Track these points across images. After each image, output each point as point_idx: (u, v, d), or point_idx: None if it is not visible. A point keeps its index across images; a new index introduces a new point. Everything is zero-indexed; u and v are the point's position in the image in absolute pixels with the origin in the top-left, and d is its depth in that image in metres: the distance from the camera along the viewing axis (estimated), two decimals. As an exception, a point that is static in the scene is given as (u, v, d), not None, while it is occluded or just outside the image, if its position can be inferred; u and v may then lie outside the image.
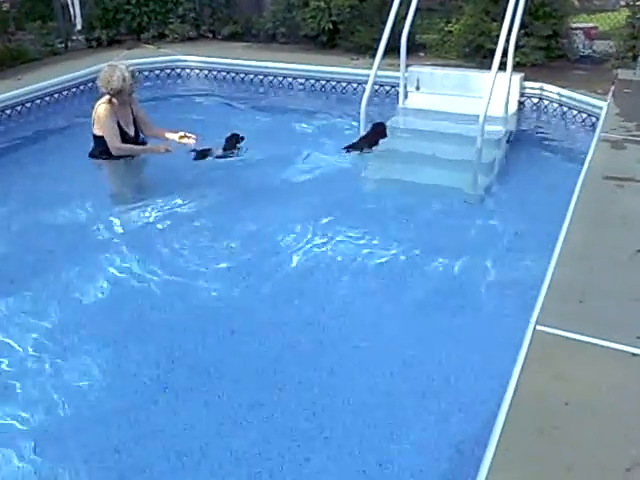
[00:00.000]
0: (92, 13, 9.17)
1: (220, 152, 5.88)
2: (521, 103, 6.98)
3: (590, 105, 6.43)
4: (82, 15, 9.06)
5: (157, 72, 8.52)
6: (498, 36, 6.04)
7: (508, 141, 6.28)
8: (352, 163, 5.96)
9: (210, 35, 9.62)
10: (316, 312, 3.83)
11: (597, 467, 2.18)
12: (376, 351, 3.48)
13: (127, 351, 3.49)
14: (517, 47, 6.50)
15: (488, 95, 5.81)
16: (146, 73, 8.37)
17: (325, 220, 4.81)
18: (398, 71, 6.89)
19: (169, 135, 5.41)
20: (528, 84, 7.00)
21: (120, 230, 4.73)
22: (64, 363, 3.38)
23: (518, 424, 2.36)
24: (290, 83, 8.15)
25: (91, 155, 5.35)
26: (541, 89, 6.98)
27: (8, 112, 6.93)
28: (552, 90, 6.90)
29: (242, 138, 6.10)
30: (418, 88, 6.97)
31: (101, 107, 5.15)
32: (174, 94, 8.17)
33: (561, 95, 6.81)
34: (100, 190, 5.38)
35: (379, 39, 6.50)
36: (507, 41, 6.04)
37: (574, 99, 6.66)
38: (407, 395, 3.15)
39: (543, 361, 2.67)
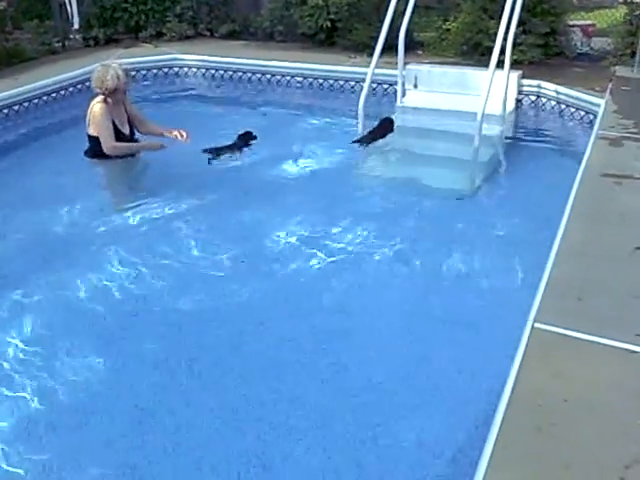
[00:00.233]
0: (89, 12, 9.16)
1: (233, 149, 5.95)
2: (519, 101, 6.98)
3: (588, 103, 6.43)
4: (79, 14, 9.03)
5: (155, 71, 8.51)
6: (496, 34, 6.05)
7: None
8: (350, 161, 5.96)
9: (208, 34, 9.61)
10: (315, 310, 3.82)
11: (596, 464, 2.18)
12: (373, 348, 3.47)
13: (124, 351, 3.48)
14: (515, 45, 6.51)
15: (486, 93, 5.82)
16: (144, 72, 8.37)
17: (322, 218, 4.80)
18: (396, 69, 6.90)
19: (163, 131, 5.47)
20: (526, 82, 7.00)
21: (117, 229, 4.71)
22: (61, 363, 3.36)
23: (516, 422, 2.35)
24: (288, 81, 8.14)
25: (87, 155, 5.34)
26: (539, 87, 6.98)
27: (5, 111, 6.91)
28: (550, 88, 6.90)
29: (255, 137, 6.15)
30: (416, 86, 6.97)
31: (96, 107, 5.14)
32: (172, 93, 8.16)
33: (559, 93, 6.81)
34: (97, 190, 5.38)
35: (377, 37, 6.51)
36: (505, 39, 6.06)
37: (572, 97, 6.66)
38: (405, 393, 3.14)
39: (541, 359, 2.67)
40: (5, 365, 3.35)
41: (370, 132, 6.31)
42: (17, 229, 4.77)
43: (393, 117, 6.44)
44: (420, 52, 8.23)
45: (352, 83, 7.72)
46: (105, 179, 5.48)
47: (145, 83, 8.33)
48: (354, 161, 6.03)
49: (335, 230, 4.64)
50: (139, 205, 5.01)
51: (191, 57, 8.59)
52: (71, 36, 9.13)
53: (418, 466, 2.73)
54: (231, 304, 3.88)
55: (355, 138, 6.21)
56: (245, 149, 6.00)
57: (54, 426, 2.98)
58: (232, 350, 3.50)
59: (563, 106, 6.79)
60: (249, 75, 8.33)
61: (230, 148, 6.00)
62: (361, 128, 6.32)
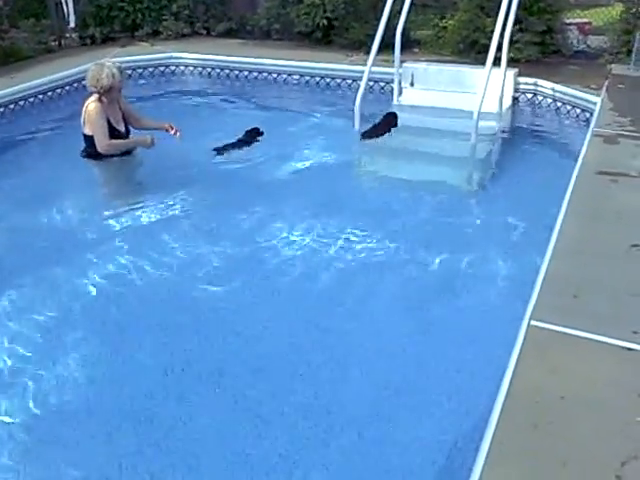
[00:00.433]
0: (86, 10, 9.13)
1: (241, 145, 6.03)
2: (515, 99, 6.99)
3: (584, 100, 6.44)
4: (76, 12, 9.00)
5: (151, 69, 8.49)
6: (492, 32, 6.05)
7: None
8: (345, 159, 5.96)
9: (204, 32, 9.59)
10: (314, 309, 3.82)
11: (592, 461, 2.18)
12: (371, 346, 3.47)
13: (122, 351, 3.48)
14: (511, 43, 6.51)
15: (482, 91, 5.82)
16: (140, 71, 8.36)
17: (320, 216, 4.79)
18: (392, 67, 6.90)
19: (158, 125, 5.58)
20: (522, 79, 7.00)
21: (114, 229, 4.70)
22: (58, 362, 3.36)
23: (513, 419, 2.36)
24: (285, 80, 8.14)
25: (83, 155, 5.33)
26: (535, 84, 6.98)
27: (1, 110, 6.89)
28: (546, 85, 6.90)
29: (262, 132, 6.21)
30: (412, 84, 6.98)
31: (91, 106, 5.12)
32: (168, 91, 8.14)
33: (555, 90, 6.81)
34: (94, 189, 5.36)
35: (374, 35, 6.51)
36: (501, 37, 6.06)
37: (568, 94, 6.66)
38: (403, 390, 3.15)
39: (538, 356, 2.68)
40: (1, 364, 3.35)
41: (374, 127, 6.35)
42: (12, 228, 4.76)
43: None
44: (417, 50, 8.24)
45: (349, 81, 7.72)
46: (101, 179, 5.46)
47: (142, 82, 8.32)
48: (350, 159, 6.03)
49: (330, 228, 4.64)
50: (136, 204, 5.00)
51: (188, 56, 8.57)
52: (67, 35, 9.10)
53: (415, 464, 2.74)
54: (230, 304, 3.88)
55: (361, 133, 6.24)
56: (253, 145, 6.06)
57: (50, 426, 2.98)
58: (232, 350, 3.50)
59: (559, 104, 6.79)
60: (246, 74, 8.32)
61: (238, 144, 6.05)
62: (358, 126, 6.32)
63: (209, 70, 8.49)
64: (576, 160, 4.73)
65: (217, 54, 8.49)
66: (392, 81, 7.00)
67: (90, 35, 9.11)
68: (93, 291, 3.97)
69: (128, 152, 5.40)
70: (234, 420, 2.99)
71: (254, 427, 2.94)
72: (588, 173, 4.44)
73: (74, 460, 2.78)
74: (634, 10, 7.42)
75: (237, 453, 2.81)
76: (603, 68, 7.23)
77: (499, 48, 6.03)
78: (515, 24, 6.46)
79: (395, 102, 6.87)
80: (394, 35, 6.60)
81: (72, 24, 9.06)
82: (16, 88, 7.11)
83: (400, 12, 6.59)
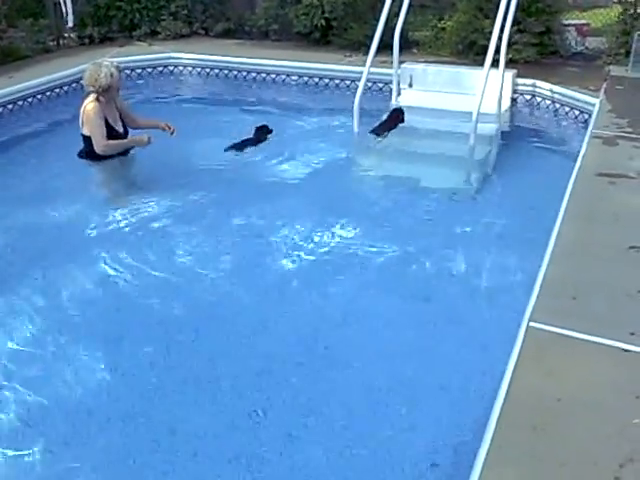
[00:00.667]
0: (84, 10, 9.13)
1: (250, 143, 6.08)
2: (514, 100, 6.99)
3: (582, 102, 6.45)
4: (74, 12, 8.99)
5: (149, 70, 8.48)
6: (491, 33, 6.05)
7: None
8: (344, 160, 5.96)
9: (202, 32, 9.58)
10: (312, 308, 3.82)
11: (590, 463, 2.19)
12: (370, 347, 3.48)
13: (121, 350, 3.48)
14: (510, 44, 6.51)
15: (481, 92, 5.82)
16: (138, 71, 8.35)
17: (318, 217, 4.80)
18: (391, 68, 6.90)
19: (154, 123, 5.58)
20: (521, 81, 7.01)
21: (111, 229, 4.70)
22: (57, 362, 3.36)
23: (512, 420, 2.36)
24: (283, 80, 8.13)
25: (81, 156, 5.31)
26: (534, 86, 6.99)
27: (0, 110, 6.89)
28: (545, 87, 6.91)
29: (271, 130, 6.26)
30: (411, 85, 6.98)
31: (89, 106, 5.08)
32: (166, 91, 8.13)
33: (554, 92, 6.82)
34: (92, 189, 5.35)
35: (372, 36, 6.51)
36: (500, 38, 6.06)
37: (567, 96, 6.67)
38: (401, 392, 3.15)
39: (536, 358, 2.68)
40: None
41: (381, 124, 6.38)
42: (10, 228, 4.76)
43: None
44: (415, 51, 8.23)
45: (347, 82, 7.72)
46: (99, 179, 5.44)
47: (140, 82, 8.31)
48: (348, 160, 6.02)
49: (330, 228, 4.64)
50: (134, 205, 4.99)
51: (186, 56, 8.57)
52: (66, 34, 9.10)
53: (414, 466, 2.74)
54: (230, 305, 3.88)
55: (370, 129, 6.27)
56: (263, 142, 6.11)
57: (48, 427, 2.98)
58: (230, 349, 3.50)
59: (558, 105, 6.80)
60: (244, 74, 8.32)
61: (248, 142, 6.09)
62: (356, 127, 6.32)
63: (207, 70, 8.48)
64: (575, 161, 4.73)
65: (215, 54, 8.49)
66: (391, 82, 7.01)
67: (88, 35, 9.10)
68: (92, 292, 3.98)
69: (124, 152, 5.37)
70: (234, 421, 2.99)
71: (254, 428, 2.94)
72: (587, 175, 4.44)
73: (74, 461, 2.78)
74: (632, 12, 7.43)
75: (237, 454, 2.81)
76: (601, 69, 7.24)
77: (498, 49, 6.03)
78: (513, 25, 6.45)
79: (394, 103, 6.87)
80: (393, 36, 6.61)
81: (70, 24, 9.04)
82: (14, 88, 7.10)
83: (399, 13, 6.59)
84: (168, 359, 3.41)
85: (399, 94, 6.95)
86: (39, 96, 7.32)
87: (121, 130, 5.27)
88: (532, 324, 2.85)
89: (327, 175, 5.63)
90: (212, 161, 5.79)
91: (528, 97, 7.04)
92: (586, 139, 5.16)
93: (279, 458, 2.79)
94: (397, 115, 6.50)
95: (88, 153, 5.22)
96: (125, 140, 5.29)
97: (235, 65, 8.33)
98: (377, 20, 6.54)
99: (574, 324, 2.84)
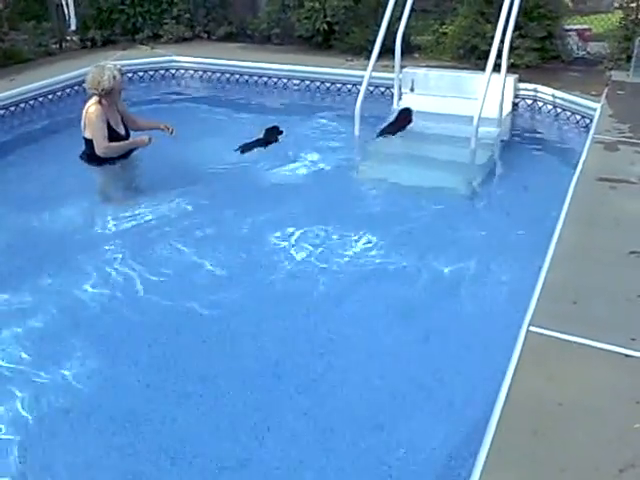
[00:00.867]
0: (86, 13, 9.14)
1: (261, 144, 6.12)
2: (515, 104, 7.00)
3: (584, 107, 6.45)
4: (76, 15, 9.03)
5: (151, 73, 8.49)
6: (492, 37, 6.06)
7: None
8: (346, 164, 5.96)
9: (205, 36, 9.60)
10: (311, 310, 3.82)
11: (590, 468, 2.18)
12: (369, 350, 3.47)
13: (120, 354, 3.48)
14: (511, 48, 6.52)
15: (482, 96, 5.83)
16: (141, 74, 8.37)
17: (319, 221, 4.79)
18: (393, 72, 6.91)
19: (155, 125, 5.59)
20: (522, 85, 7.02)
21: (112, 233, 4.70)
22: (56, 364, 3.36)
23: (512, 425, 2.36)
24: (285, 84, 8.15)
25: (84, 159, 5.30)
26: (535, 90, 7.00)
27: (1, 112, 6.90)
28: (546, 91, 6.91)
29: (281, 131, 6.29)
30: (412, 89, 6.98)
31: (91, 109, 5.07)
32: (168, 95, 8.14)
33: (555, 97, 6.82)
34: (94, 192, 5.34)
35: (374, 40, 6.52)
36: (501, 42, 6.07)
37: (568, 100, 6.67)
38: (400, 395, 3.15)
39: (536, 362, 2.68)
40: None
41: (390, 124, 6.43)
42: (11, 231, 4.76)
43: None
44: (417, 55, 8.24)
45: (349, 86, 7.72)
46: (100, 182, 5.45)
47: (142, 85, 8.32)
48: (350, 164, 6.03)
49: (331, 232, 4.64)
50: (135, 208, 4.99)
51: (188, 59, 8.58)
52: (68, 37, 9.12)
53: (414, 470, 2.73)
54: (230, 306, 3.88)
55: (377, 130, 6.32)
56: (273, 143, 6.15)
57: (47, 428, 2.97)
58: (229, 351, 3.50)
59: (559, 110, 6.80)
60: (246, 78, 8.33)
61: (258, 142, 6.12)
62: (357, 131, 6.33)
63: (209, 74, 8.49)
64: (575, 166, 4.74)
65: (217, 58, 8.50)
66: (392, 86, 7.02)
67: (91, 38, 9.11)
68: (93, 295, 3.97)
69: (126, 155, 5.36)
70: (234, 423, 2.99)
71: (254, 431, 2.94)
72: (587, 179, 4.44)
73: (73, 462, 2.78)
74: (634, 17, 7.44)
75: (237, 455, 2.81)
76: (603, 74, 7.24)
77: (499, 54, 6.05)
78: (515, 30, 6.47)
79: (395, 107, 6.88)
80: (394, 40, 6.62)
81: (73, 27, 9.08)
82: (16, 91, 7.11)
83: (400, 17, 6.60)
84: (169, 359, 3.41)
85: (400, 98, 6.96)
86: (41, 99, 7.33)
87: (123, 132, 5.27)
88: (532, 328, 2.85)
89: (328, 179, 5.63)
90: (213, 165, 5.79)
91: (529, 102, 7.04)
92: (587, 144, 5.17)
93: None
94: (405, 116, 6.53)
95: (90, 156, 5.22)
96: (126, 142, 5.29)
97: (237, 69, 8.35)
98: (379, 24, 6.55)
99: (574, 329, 2.83)
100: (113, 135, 5.15)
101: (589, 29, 8.33)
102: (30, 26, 8.55)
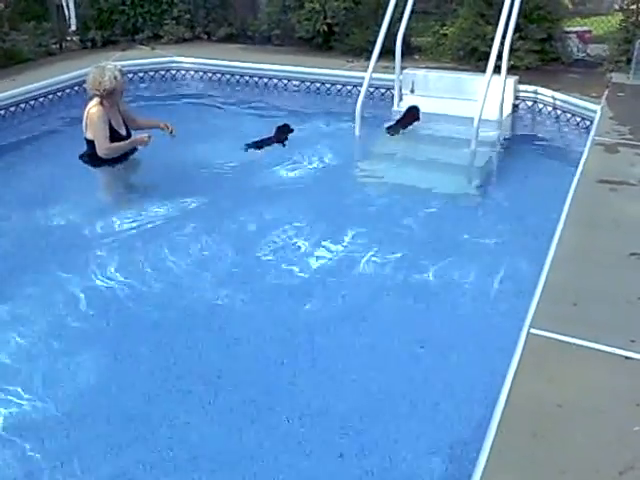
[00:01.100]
0: (87, 14, 9.14)
1: (271, 142, 6.16)
2: (515, 106, 7.00)
3: (584, 109, 6.45)
4: (77, 16, 9.03)
5: (152, 73, 8.49)
6: (493, 39, 6.07)
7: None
8: (346, 165, 5.97)
9: (205, 37, 9.60)
10: (310, 312, 3.83)
11: (590, 470, 2.18)
12: (368, 352, 3.47)
13: (120, 355, 3.48)
14: (512, 50, 6.52)
15: (482, 98, 5.83)
16: (141, 74, 8.36)
17: (319, 222, 4.80)
18: (393, 74, 6.91)
19: (155, 123, 5.58)
20: (522, 87, 7.01)
21: (115, 233, 4.70)
22: (56, 366, 3.36)
23: (512, 427, 2.36)
24: (285, 85, 8.15)
25: (84, 160, 5.29)
26: (535, 92, 7.00)
27: (2, 113, 6.90)
28: (546, 93, 6.92)
29: (292, 130, 6.33)
30: (413, 91, 6.98)
31: (93, 110, 5.05)
32: (169, 96, 8.14)
33: (555, 98, 6.83)
34: (94, 193, 5.35)
35: (374, 42, 6.52)
36: (502, 44, 6.07)
37: (568, 102, 6.68)
38: (400, 397, 3.15)
39: (537, 364, 2.68)
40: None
41: (398, 121, 6.48)
42: (11, 230, 4.76)
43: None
44: (417, 57, 8.25)
45: (349, 87, 7.72)
46: (102, 183, 5.45)
47: (142, 86, 8.32)
48: (351, 165, 6.03)
49: (331, 233, 4.64)
50: (136, 209, 5.00)
51: (188, 60, 8.57)
52: (68, 38, 9.11)
53: (414, 472, 2.73)
54: (228, 307, 3.88)
55: (386, 126, 6.38)
56: (283, 141, 6.19)
57: (46, 429, 2.97)
58: (229, 352, 3.50)
59: (559, 112, 6.80)
60: (246, 78, 8.32)
61: (269, 140, 6.15)
62: (358, 132, 6.33)
63: (210, 75, 8.50)
64: (576, 168, 4.74)
65: (217, 59, 8.49)
66: (392, 87, 7.02)
67: (91, 38, 9.11)
68: (94, 293, 3.98)
69: (126, 156, 5.34)
70: (234, 425, 2.99)
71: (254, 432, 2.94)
72: (588, 181, 4.45)
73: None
74: (634, 19, 7.44)
75: (237, 454, 2.81)
76: (603, 77, 7.24)
77: (499, 56, 6.05)
78: (515, 32, 6.47)
79: (395, 108, 6.88)
80: (395, 42, 6.61)
81: (73, 27, 9.08)
82: (16, 91, 7.10)
83: (401, 19, 6.60)
84: (169, 361, 3.41)
85: (401, 100, 6.96)
86: (41, 99, 7.33)
87: (124, 133, 5.26)
88: (533, 330, 2.85)
89: (328, 180, 5.64)
90: (214, 165, 5.80)
91: (530, 103, 7.04)
92: (587, 146, 5.17)
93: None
94: (413, 113, 6.56)
95: (91, 156, 5.20)
96: (126, 142, 5.27)
97: (237, 70, 8.34)
98: (379, 26, 6.55)
99: (575, 330, 2.83)
100: (115, 136, 5.14)
101: (589, 31, 8.33)
102: (31, 26, 8.54)
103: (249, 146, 6.01)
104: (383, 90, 7.45)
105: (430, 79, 6.96)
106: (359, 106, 6.30)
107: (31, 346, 3.51)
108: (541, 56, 7.59)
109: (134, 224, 4.80)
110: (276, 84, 8.18)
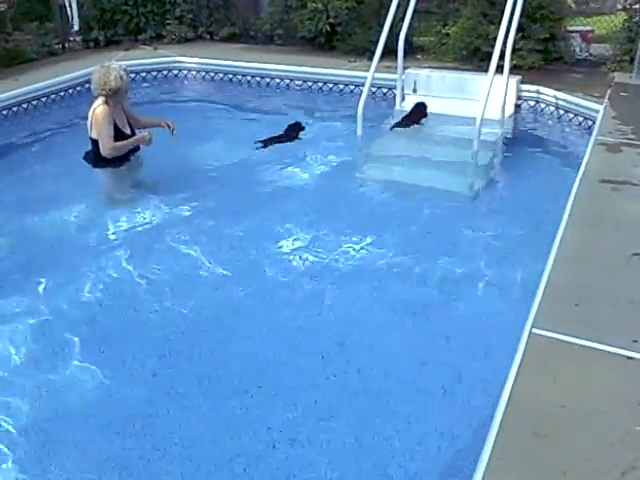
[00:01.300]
0: (89, 14, 9.16)
1: (282, 139, 6.24)
2: (518, 106, 7.00)
3: (586, 108, 6.44)
4: (79, 16, 9.04)
5: (154, 73, 8.51)
6: (495, 39, 6.06)
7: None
8: (348, 165, 5.97)
9: (208, 36, 9.62)
10: (312, 314, 3.82)
11: (592, 471, 2.18)
12: (370, 353, 3.47)
13: (122, 353, 3.48)
14: (514, 50, 6.52)
15: (485, 98, 5.83)
16: (143, 74, 8.38)
17: (322, 222, 4.80)
18: (395, 73, 6.91)
19: (154, 122, 5.58)
20: (525, 87, 7.01)
21: (117, 233, 4.71)
22: (58, 365, 3.37)
23: (514, 427, 2.36)
24: (287, 85, 8.15)
25: (88, 160, 5.29)
26: (538, 92, 6.99)
27: (5, 113, 6.91)
28: (549, 93, 6.91)
29: (303, 127, 6.39)
30: (415, 90, 6.98)
31: (98, 109, 5.04)
32: (171, 95, 8.15)
33: (558, 98, 6.82)
34: (97, 192, 5.35)
35: (377, 41, 6.52)
36: (504, 44, 6.06)
37: (571, 102, 6.67)
38: (401, 398, 3.15)
39: (539, 364, 2.68)
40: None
41: (405, 118, 6.49)
42: (14, 230, 4.77)
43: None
44: (419, 57, 8.25)
45: (351, 87, 7.73)
46: (105, 183, 5.45)
47: (145, 85, 8.33)
48: (353, 165, 6.04)
49: (333, 233, 4.65)
50: (138, 209, 5.00)
51: (191, 60, 8.59)
52: (71, 38, 9.14)
53: (415, 472, 2.73)
54: (229, 307, 3.89)
55: (392, 124, 6.40)
56: (295, 139, 6.26)
57: (47, 430, 2.98)
58: (229, 352, 3.50)
59: (562, 111, 6.80)
60: (248, 78, 8.34)
61: (280, 138, 6.21)
62: (360, 132, 6.33)
63: (212, 75, 8.50)
64: (578, 168, 4.73)
65: (220, 59, 8.51)
66: (395, 87, 7.02)
67: (94, 38, 9.13)
68: (94, 294, 3.98)
69: (127, 156, 5.33)
70: (235, 425, 2.99)
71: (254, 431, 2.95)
72: (590, 181, 4.44)
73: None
74: (637, 18, 7.43)
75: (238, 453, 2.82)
76: (605, 76, 7.24)
77: (502, 55, 6.04)
78: (518, 31, 6.47)
79: (398, 108, 6.88)
80: (397, 41, 6.62)
81: (76, 27, 9.09)
82: (20, 91, 7.12)
83: (403, 18, 6.60)
84: (170, 361, 3.42)
85: (403, 99, 6.96)
86: (44, 99, 7.35)
87: (129, 132, 5.25)
88: (535, 330, 2.85)
89: (330, 180, 5.64)
90: (217, 165, 5.81)
91: (532, 103, 7.04)
92: (590, 145, 5.16)
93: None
94: (420, 110, 6.57)
95: (96, 156, 5.20)
96: (129, 141, 5.25)
97: (240, 69, 8.35)
98: (381, 25, 6.55)
99: (577, 331, 2.83)
100: (120, 136, 5.14)
101: (592, 30, 8.32)
102: (34, 26, 8.57)
103: (261, 143, 6.01)
104: (385, 90, 7.45)
105: (432, 79, 6.96)
106: (361, 106, 6.30)
107: (32, 344, 3.51)
108: (544, 56, 7.59)
109: (137, 224, 4.81)
110: (278, 84, 8.19)
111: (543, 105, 6.98)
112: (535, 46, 7.46)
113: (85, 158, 5.32)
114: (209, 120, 7.24)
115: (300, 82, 8.08)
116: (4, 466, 2.77)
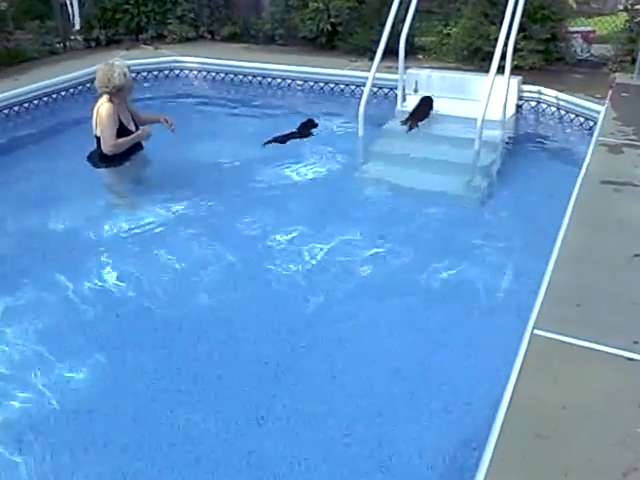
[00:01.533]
0: (91, 13, 9.15)
1: (295, 137, 6.30)
2: (519, 106, 6.99)
3: (588, 109, 6.44)
4: (81, 15, 9.03)
5: (155, 73, 8.50)
6: (496, 39, 6.06)
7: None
8: (350, 165, 5.97)
9: (209, 36, 9.62)
10: (312, 314, 3.83)
11: (593, 472, 2.18)
12: (371, 354, 3.47)
13: (123, 354, 3.48)
14: (515, 50, 6.51)
15: (486, 98, 5.83)
16: (144, 74, 8.37)
17: (322, 222, 4.80)
18: (396, 73, 6.91)
19: (154, 118, 5.59)
20: (526, 87, 7.01)
21: (118, 232, 4.71)
22: (59, 365, 3.37)
23: (515, 428, 2.36)
24: (289, 85, 8.15)
25: (92, 159, 5.27)
26: (539, 92, 6.99)
27: (6, 112, 6.91)
28: (550, 94, 6.91)
29: (316, 124, 6.42)
30: (416, 91, 6.97)
31: (103, 107, 5.03)
32: (172, 95, 8.15)
33: (559, 99, 6.82)
34: (98, 191, 5.35)
35: (378, 41, 6.52)
36: (505, 44, 6.06)
37: (572, 103, 6.67)
38: (403, 400, 3.15)
39: (540, 365, 2.68)
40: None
41: (412, 113, 6.48)
42: (16, 230, 4.77)
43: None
44: (421, 57, 8.24)
45: (352, 87, 7.72)
46: (108, 182, 5.45)
47: (146, 85, 8.33)
48: (354, 165, 6.04)
49: (333, 233, 4.64)
50: (140, 209, 5.01)
51: (192, 59, 8.58)
52: (72, 37, 9.12)
53: (417, 473, 2.73)
54: (229, 307, 3.89)
55: (400, 120, 6.42)
56: (308, 136, 6.27)
57: (47, 431, 2.98)
58: (229, 353, 3.50)
59: (563, 112, 6.80)
60: (250, 78, 8.33)
61: (293, 135, 6.25)
62: (361, 132, 6.32)
63: (213, 74, 8.50)
64: (580, 169, 4.73)
65: (221, 58, 8.50)
66: (396, 87, 7.01)
67: (95, 37, 9.13)
68: (96, 294, 3.98)
69: (128, 154, 5.30)
70: (234, 425, 2.99)
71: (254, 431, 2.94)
72: (592, 182, 4.44)
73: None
74: (638, 19, 7.42)
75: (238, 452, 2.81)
76: (607, 77, 7.23)
77: (503, 56, 6.04)
78: (519, 32, 6.46)
79: (399, 108, 6.88)
80: (398, 41, 6.61)
81: (77, 26, 9.08)
82: (20, 90, 7.11)
83: (404, 18, 6.60)
84: (170, 361, 3.42)
85: (404, 99, 6.96)
86: (45, 98, 7.34)
87: (134, 129, 5.25)
88: (536, 331, 2.85)
89: (332, 180, 5.64)
90: (217, 164, 5.81)
91: (533, 104, 7.04)
92: (591, 146, 5.16)
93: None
94: (427, 103, 6.57)
95: (100, 155, 5.18)
96: (130, 137, 5.23)
97: (241, 69, 8.35)
98: (382, 25, 6.55)
99: (578, 332, 2.83)
100: (125, 133, 5.14)
101: (593, 31, 8.31)
102: (35, 25, 8.58)
103: (270, 141, 6.01)
104: (386, 90, 7.44)
105: (433, 79, 6.95)
106: (362, 106, 6.30)
107: (34, 343, 3.51)
108: (545, 56, 7.58)
109: (139, 223, 4.81)
110: (279, 84, 8.19)
111: (544, 106, 6.98)
112: (536, 46, 7.46)
113: (89, 158, 5.30)
114: (210, 120, 7.24)
115: (301, 82, 8.08)
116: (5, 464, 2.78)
